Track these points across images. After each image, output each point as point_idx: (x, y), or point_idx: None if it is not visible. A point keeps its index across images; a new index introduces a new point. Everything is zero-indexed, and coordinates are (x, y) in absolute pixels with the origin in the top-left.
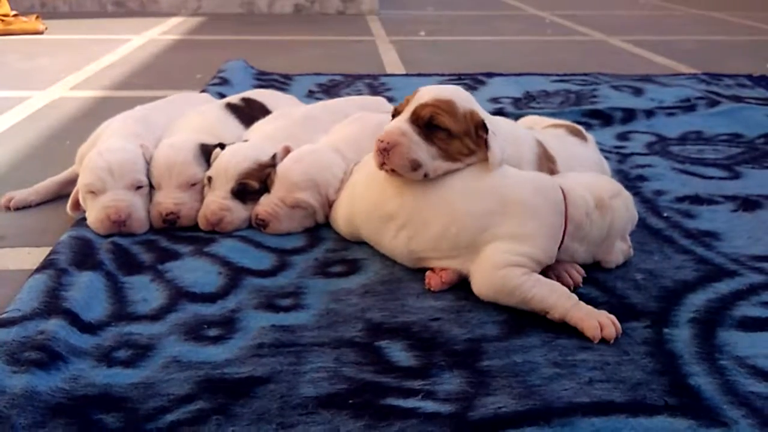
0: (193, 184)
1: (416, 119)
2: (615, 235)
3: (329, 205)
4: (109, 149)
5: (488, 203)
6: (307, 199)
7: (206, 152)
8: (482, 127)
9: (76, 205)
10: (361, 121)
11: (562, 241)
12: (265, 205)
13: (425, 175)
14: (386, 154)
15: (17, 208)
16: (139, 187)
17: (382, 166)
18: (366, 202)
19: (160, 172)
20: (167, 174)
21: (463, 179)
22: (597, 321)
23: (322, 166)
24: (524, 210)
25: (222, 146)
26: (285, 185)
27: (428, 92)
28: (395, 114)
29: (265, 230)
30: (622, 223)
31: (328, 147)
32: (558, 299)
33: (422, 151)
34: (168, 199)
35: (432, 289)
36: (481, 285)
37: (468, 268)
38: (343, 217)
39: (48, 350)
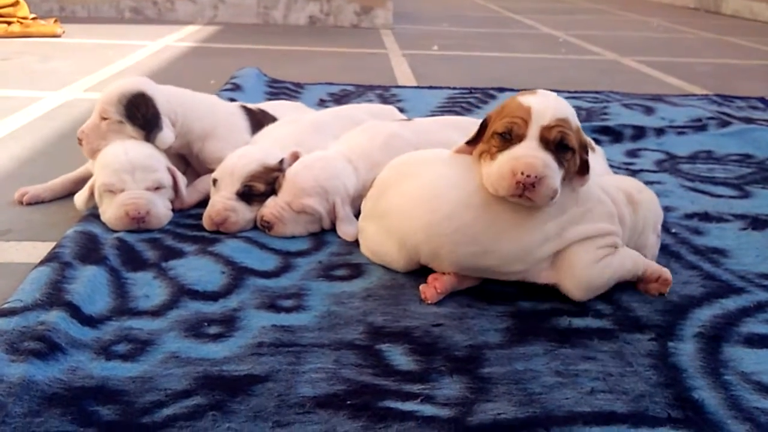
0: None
1: (546, 143)
2: (648, 228)
3: (335, 212)
4: (135, 148)
5: (571, 213)
6: (315, 206)
7: None
8: (586, 143)
9: (88, 200)
10: (371, 131)
11: None
12: (271, 207)
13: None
14: (532, 188)
15: (29, 203)
16: (157, 188)
17: (516, 197)
18: (466, 205)
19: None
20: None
21: None
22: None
23: (332, 173)
24: (602, 209)
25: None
26: (293, 190)
27: (545, 112)
28: (510, 135)
29: (269, 232)
30: (653, 216)
31: (341, 155)
32: (638, 262)
33: (558, 177)
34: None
35: (428, 301)
36: (577, 288)
37: (533, 277)
38: (418, 233)
39: (47, 341)
